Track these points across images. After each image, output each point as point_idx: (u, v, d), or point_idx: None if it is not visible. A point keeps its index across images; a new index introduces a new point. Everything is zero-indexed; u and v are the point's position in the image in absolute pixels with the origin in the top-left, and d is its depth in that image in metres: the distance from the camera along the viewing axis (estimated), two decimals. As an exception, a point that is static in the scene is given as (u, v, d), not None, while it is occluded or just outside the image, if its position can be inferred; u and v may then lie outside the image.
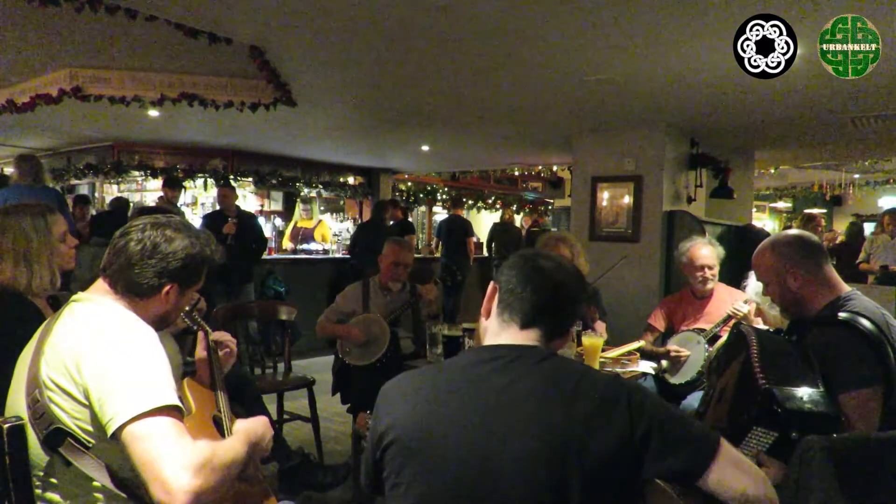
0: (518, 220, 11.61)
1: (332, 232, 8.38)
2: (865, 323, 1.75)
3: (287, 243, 7.81)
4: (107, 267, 1.47)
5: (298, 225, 7.94)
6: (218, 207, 6.13)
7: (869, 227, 8.33)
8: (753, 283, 3.02)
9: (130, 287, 1.46)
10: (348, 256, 7.60)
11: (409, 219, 9.50)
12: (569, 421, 1.14)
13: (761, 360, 1.70)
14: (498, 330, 1.32)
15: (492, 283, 1.38)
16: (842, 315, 1.79)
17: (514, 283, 1.32)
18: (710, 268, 3.29)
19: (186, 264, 1.49)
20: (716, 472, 1.14)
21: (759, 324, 3.03)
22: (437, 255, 8.73)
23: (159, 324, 1.51)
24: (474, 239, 8.61)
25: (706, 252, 3.29)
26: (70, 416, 1.31)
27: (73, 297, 1.47)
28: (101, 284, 1.48)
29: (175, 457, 1.17)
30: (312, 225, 7.91)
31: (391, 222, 7.74)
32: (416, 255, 8.39)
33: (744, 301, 3.12)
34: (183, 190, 7.05)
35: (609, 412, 1.15)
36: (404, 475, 1.21)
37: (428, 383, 1.29)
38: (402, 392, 1.29)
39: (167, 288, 1.48)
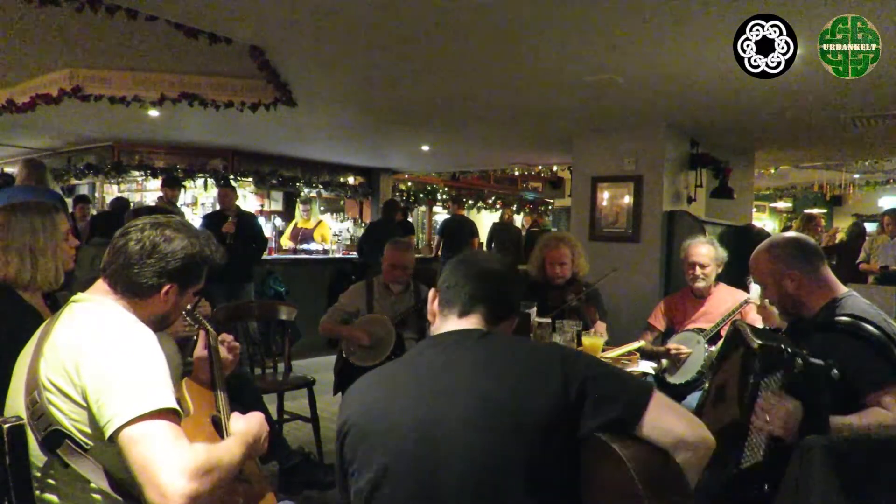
0: (518, 220, 11.61)
1: (331, 232, 8.38)
2: (869, 328, 1.78)
3: (287, 243, 7.81)
4: (106, 267, 1.47)
5: (298, 226, 7.94)
6: (218, 207, 6.13)
7: (869, 228, 8.32)
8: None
9: (130, 287, 1.45)
10: (351, 256, 7.63)
11: (409, 219, 9.49)
12: (500, 386, 1.20)
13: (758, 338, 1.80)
14: (440, 325, 1.40)
15: (432, 290, 1.46)
16: (843, 320, 1.81)
17: (450, 280, 1.41)
18: (703, 266, 3.28)
19: (186, 264, 1.49)
20: (650, 418, 1.16)
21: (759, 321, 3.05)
22: (438, 254, 8.68)
23: (159, 324, 1.51)
24: (477, 240, 8.60)
25: (703, 251, 3.29)
26: (68, 418, 1.31)
27: (73, 297, 1.47)
28: (100, 285, 1.48)
29: (171, 460, 1.17)
30: (312, 226, 7.91)
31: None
32: (416, 256, 8.46)
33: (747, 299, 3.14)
34: (183, 189, 7.04)
35: (542, 375, 1.20)
36: (357, 461, 1.26)
37: (378, 377, 1.37)
38: (357, 390, 1.36)
39: (167, 288, 1.47)
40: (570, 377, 1.18)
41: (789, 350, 1.69)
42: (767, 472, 1.64)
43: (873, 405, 1.71)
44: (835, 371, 1.69)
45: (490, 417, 1.17)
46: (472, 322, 1.36)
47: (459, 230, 8.21)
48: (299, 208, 8.21)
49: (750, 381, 1.73)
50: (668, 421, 1.17)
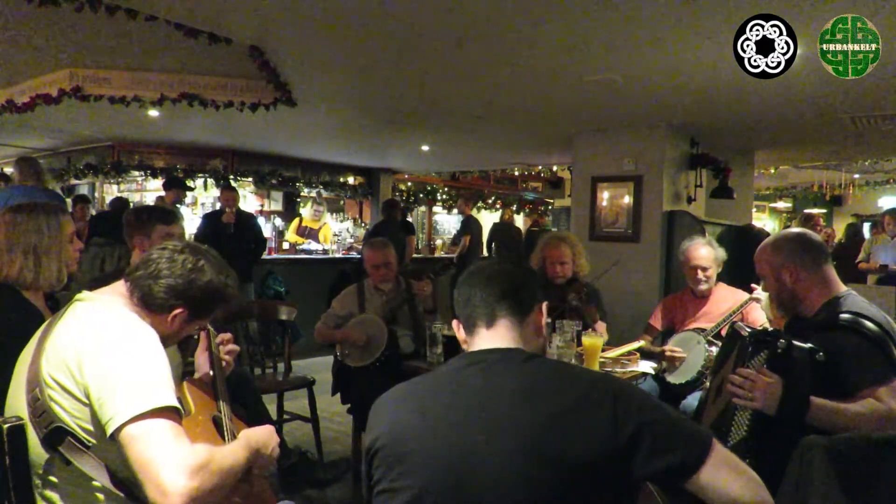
0: (518, 220, 11.60)
1: (332, 233, 8.40)
2: (869, 325, 1.80)
3: (294, 238, 7.79)
4: (132, 272, 1.49)
5: (304, 224, 7.95)
6: (219, 207, 6.15)
7: (866, 228, 8.32)
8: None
9: (144, 298, 1.47)
10: (351, 256, 7.65)
11: (409, 219, 9.50)
12: (543, 420, 1.13)
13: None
14: (473, 342, 1.34)
15: (455, 321, 1.40)
16: (844, 317, 1.83)
17: (462, 296, 1.36)
18: (704, 269, 3.28)
19: (206, 295, 1.52)
20: (708, 472, 1.11)
21: (760, 321, 3.05)
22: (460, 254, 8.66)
23: None
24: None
25: (703, 253, 3.29)
26: (70, 415, 1.31)
27: (77, 296, 1.47)
28: (118, 286, 1.50)
29: (172, 458, 1.17)
30: (318, 226, 7.93)
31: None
32: (416, 255, 8.47)
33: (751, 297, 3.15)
34: (186, 192, 7.03)
35: (589, 412, 1.13)
36: (387, 481, 1.21)
37: (413, 392, 1.30)
38: (389, 403, 1.30)
39: (177, 311, 1.49)
40: (623, 418, 1.12)
41: (775, 334, 1.80)
42: (751, 446, 1.74)
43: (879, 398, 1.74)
44: (820, 354, 1.75)
45: (528, 451, 1.11)
46: (503, 330, 1.30)
47: (479, 231, 8.38)
48: (311, 207, 8.22)
49: (740, 366, 1.82)
50: (725, 478, 1.12)
